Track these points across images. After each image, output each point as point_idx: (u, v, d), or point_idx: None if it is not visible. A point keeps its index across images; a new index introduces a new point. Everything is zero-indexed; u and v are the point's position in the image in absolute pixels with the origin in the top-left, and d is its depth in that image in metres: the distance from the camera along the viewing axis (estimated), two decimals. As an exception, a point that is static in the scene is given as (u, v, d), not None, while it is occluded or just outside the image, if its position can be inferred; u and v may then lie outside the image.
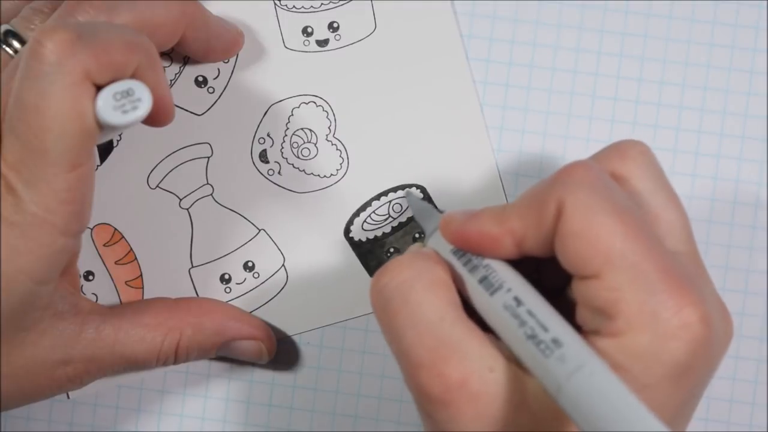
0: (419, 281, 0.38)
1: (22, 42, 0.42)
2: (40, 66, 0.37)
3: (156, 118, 0.41)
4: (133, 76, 0.39)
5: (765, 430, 0.48)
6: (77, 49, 0.37)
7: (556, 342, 0.35)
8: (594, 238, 0.36)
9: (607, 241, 0.36)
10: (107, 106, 0.38)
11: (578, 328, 0.37)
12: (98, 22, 0.41)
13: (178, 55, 0.48)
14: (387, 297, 0.39)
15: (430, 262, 0.39)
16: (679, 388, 0.36)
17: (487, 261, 0.39)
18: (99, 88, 0.38)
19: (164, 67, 0.48)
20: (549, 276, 0.39)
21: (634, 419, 0.33)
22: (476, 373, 0.37)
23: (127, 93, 0.38)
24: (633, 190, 0.39)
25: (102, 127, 0.38)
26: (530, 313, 0.37)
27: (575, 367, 0.35)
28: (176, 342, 0.45)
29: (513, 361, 0.37)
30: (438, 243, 0.41)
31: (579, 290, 0.37)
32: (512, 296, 0.37)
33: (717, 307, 0.38)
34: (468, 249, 0.39)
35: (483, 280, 0.38)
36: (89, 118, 0.38)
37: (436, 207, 0.48)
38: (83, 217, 0.40)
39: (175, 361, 0.45)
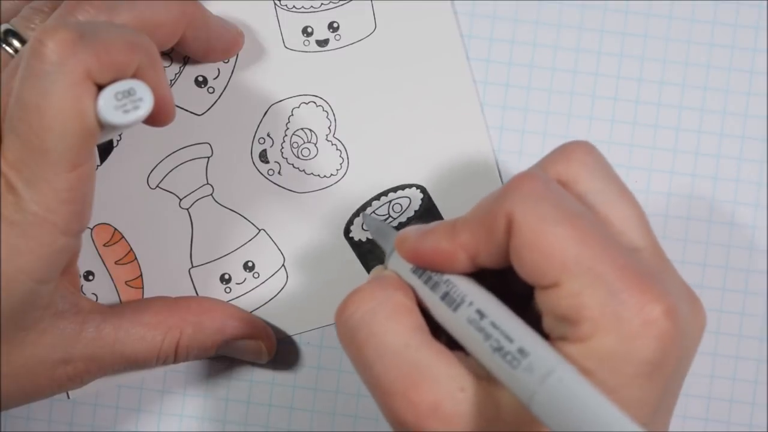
0: (381, 310, 0.38)
1: (23, 41, 0.42)
2: (42, 65, 0.37)
3: (157, 117, 0.41)
4: (134, 76, 0.39)
5: (765, 430, 0.48)
6: (78, 48, 0.37)
7: (522, 352, 0.35)
8: (547, 248, 0.36)
9: (560, 249, 0.36)
10: (108, 105, 0.38)
11: (546, 336, 0.37)
12: (99, 22, 0.41)
13: (178, 55, 0.48)
14: (353, 328, 0.39)
15: (390, 289, 0.39)
16: (653, 384, 0.36)
17: (447, 276, 0.39)
18: (100, 87, 0.38)
19: (164, 67, 0.48)
20: (518, 283, 0.39)
21: (607, 421, 0.33)
22: (447, 395, 0.37)
23: (129, 93, 0.38)
24: (581, 193, 0.39)
25: (103, 126, 0.38)
26: (494, 324, 0.37)
27: (543, 374, 0.34)
28: (176, 341, 0.45)
29: (483, 375, 0.37)
30: (397, 263, 0.41)
31: (541, 300, 0.37)
32: (474, 309, 0.37)
33: (684, 297, 0.38)
34: (424, 266, 0.39)
35: (445, 297, 0.38)
36: (90, 117, 0.38)
37: (427, 213, 0.48)
38: (84, 217, 0.40)
39: (175, 360, 0.45)
